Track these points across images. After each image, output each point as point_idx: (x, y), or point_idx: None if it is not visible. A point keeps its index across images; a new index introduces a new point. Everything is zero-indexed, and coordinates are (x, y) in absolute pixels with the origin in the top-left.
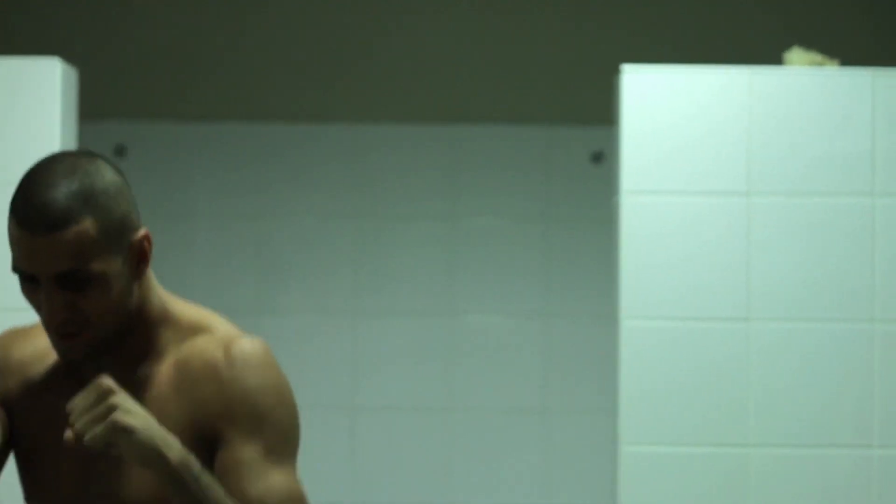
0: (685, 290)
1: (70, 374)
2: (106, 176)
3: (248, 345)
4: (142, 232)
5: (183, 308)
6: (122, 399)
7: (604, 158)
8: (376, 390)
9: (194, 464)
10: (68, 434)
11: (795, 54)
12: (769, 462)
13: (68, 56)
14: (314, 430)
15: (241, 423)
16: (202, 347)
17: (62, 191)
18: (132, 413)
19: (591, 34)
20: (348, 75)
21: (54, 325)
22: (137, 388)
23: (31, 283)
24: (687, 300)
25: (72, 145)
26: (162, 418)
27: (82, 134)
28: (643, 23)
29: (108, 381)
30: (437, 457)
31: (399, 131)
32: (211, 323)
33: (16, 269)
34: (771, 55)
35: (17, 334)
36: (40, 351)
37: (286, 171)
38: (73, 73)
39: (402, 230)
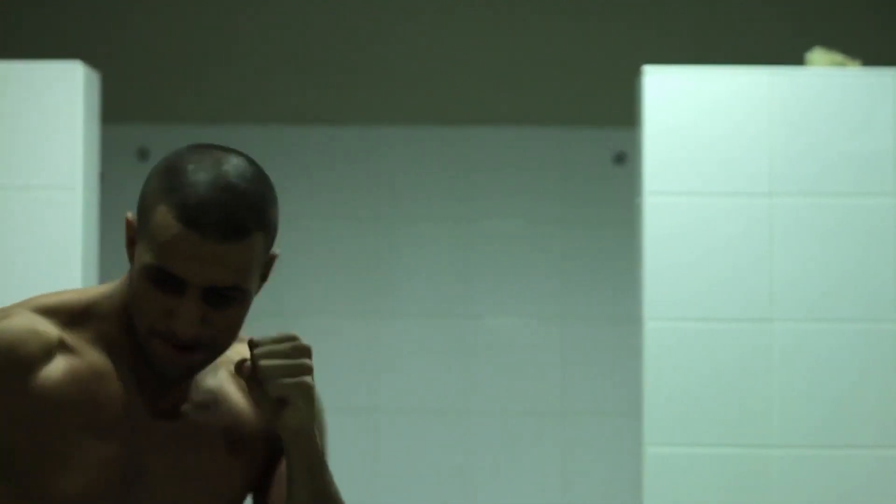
0: (708, 290)
1: (107, 383)
2: (270, 184)
3: None
4: (276, 251)
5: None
6: (312, 364)
7: (626, 159)
8: (395, 393)
9: (321, 449)
10: (246, 365)
11: (817, 55)
12: (792, 462)
13: (91, 60)
14: (333, 432)
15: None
16: (237, 352)
17: (242, 198)
18: (311, 380)
19: (613, 35)
20: (365, 77)
21: (180, 338)
22: (207, 400)
23: (169, 287)
24: (709, 301)
25: (94, 149)
26: (241, 431)
27: (105, 137)
28: (665, 23)
29: (300, 337)
30: (456, 459)
31: (416, 133)
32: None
33: (158, 267)
34: (793, 56)
35: (26, 336)
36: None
37: (304, 173)
38: (95, 77)
39: (419, 232)
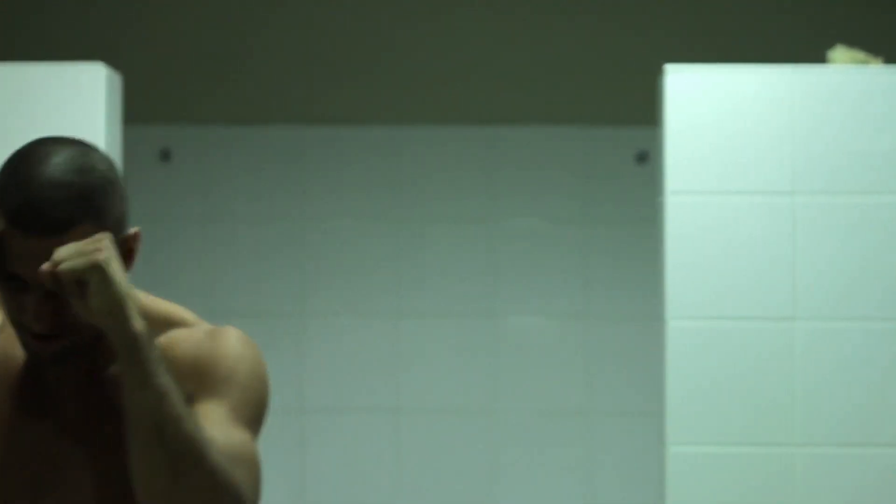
0: (730, 289)
1: (24, 371)
2: (104, 173)
3: (231, 329)
4: (133, 230)
5: (154, 303)
6: (112, 251)
7: (648, 159)
8: (418, 392)
9: (155, 347)
10: (45, 266)
11: (839, 53)
12: (815, 461)
13: (113, 61)
14: (357, 433)
15: (210, 383)
16: (184, 336)
17: (62, 191)
18: (116, 265)
19: (635, 33)
20: (388, 77)
21: (37, 330)
22: (112, 386)
23: (14, 283)
24: (732, 300)
25: (116, 150)
26: None
27: (127, 138)
28: (687, 22)
29: (107, 234)
30: (479, 459)
31: (439, 133)
32: (185, 317)
33: (2, 271)
34: (815, 54)
35: None
36: None
37: (327, 173)
38: (117, 78)
39: (442, 232)
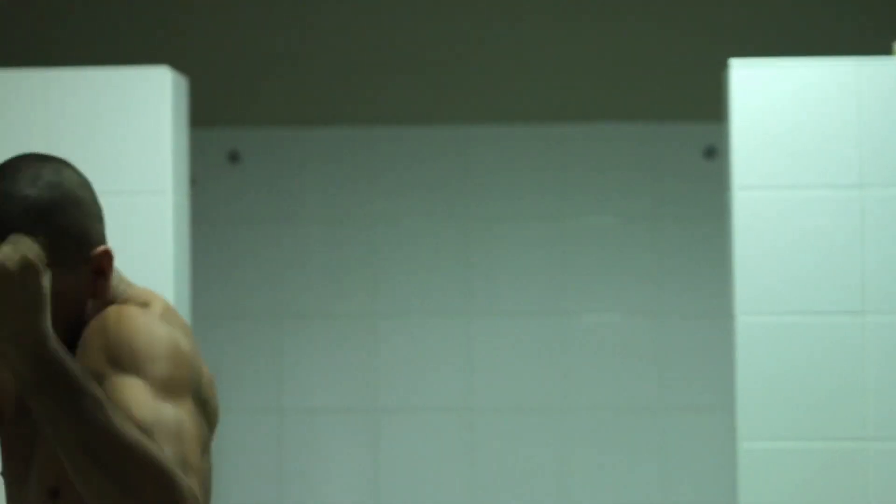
0: (799, 284)
1: None
2: (68, 189)
3: (137, 307)
4: (100, 248)
5: (127, 289)
6: (25, 246)
7: (717, 154)
8: (491, 391)
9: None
10: None
11: None
12: (887, 455)
13: (180, 65)
14: (430, 433)
15: (119, 364)
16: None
17: (18, 204)
18: (28, 264)
19: (702, 27)
20: (456, 76)
21: None
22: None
23: None
24: (801, 294)
25: (183, 154)
26: None
27: (196, 141)
28: (752, 15)
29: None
30: (552, 457)
31: (508, 131)
32: (141, 297)
33: None
34: (880, 45)
35: None
36: None
37: (395, 173)
38: (183, 82)
39: (512, 230)
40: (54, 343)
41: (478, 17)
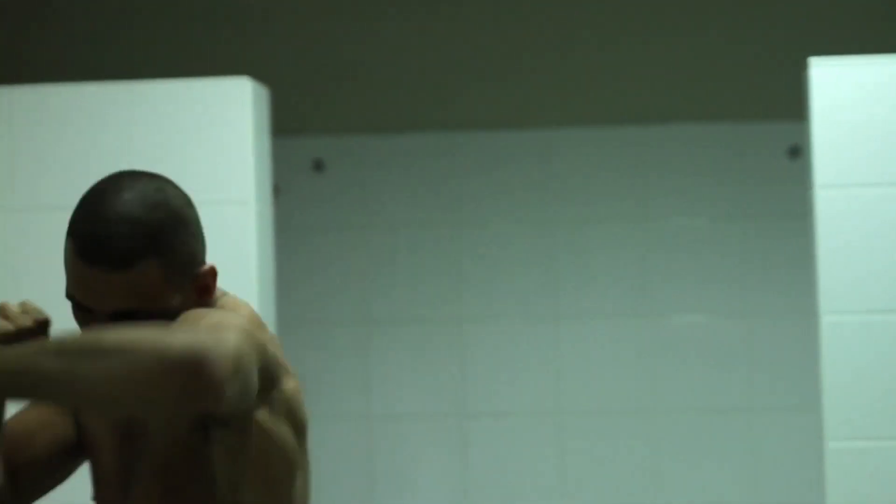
0: (883, 282)
1: None
2: (174, 208)
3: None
4: (206, 267)
5: (223, 300)
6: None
7: (801, 153)
8: (579, 395)
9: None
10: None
11: None
12: None
13: (264, 75)
14: (518, 437)
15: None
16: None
17: (128, 226)
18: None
19: (783, 26)
20: (538, 81)
21: None
22: None
23: (84, 313)
24: (886, 293)
25: (265, 163)
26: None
27: (280, 150)
28: (833, 13)
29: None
30: (642, 459)
31: (591, 134)
32: (236, 305)
33: (70, 295)
34: None
35: None
36: None
37: (481, 178)
38: (264, 92)
39: (597, 233)
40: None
41: (559, 20)
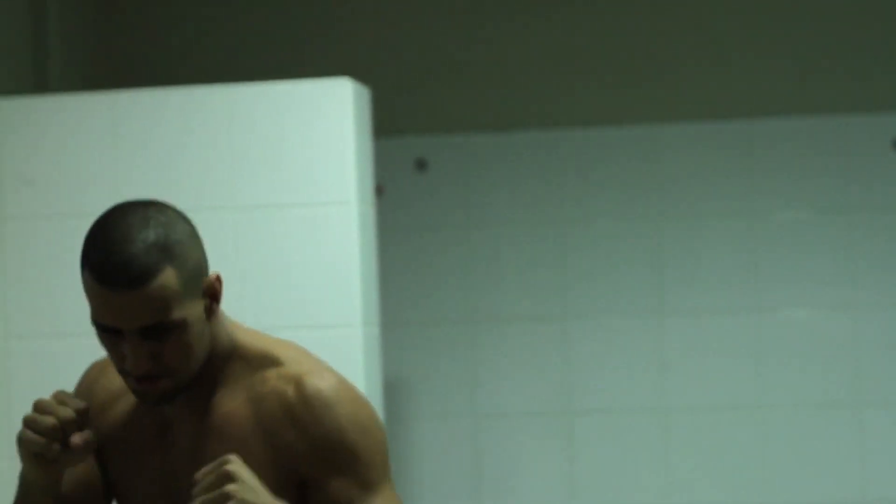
0: None
1: (150, 410)
2: (178, 224)
3: (319, 382)
4: (213, 274)
5: (250, 338)
6: (241, 470)
7: None
8: (685, 391)
9: None
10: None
11: None
12: None
13: (364, 75)
14: (625, 434)
15: (329, 464)
16: (273, 385)
17: (139, 245)
18: (246, 485)
19: (887, 16)
20: (641, 77)
21: (137, 374)
22: (217, 424)
23: (112, 335)
24: None
25: (367, 163)
26: (246, 459)
27: (383, 150)
28: None
29: (231, 457)
30: (750, 454)
31: (697, 129)
32: (279, 353)
33: (96, 322)
34: None
35: (103, 368)
36: (121, 387)
37: (584, 174)
38: (365, 93)
39: (702, 228)
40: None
41: (662, 16)
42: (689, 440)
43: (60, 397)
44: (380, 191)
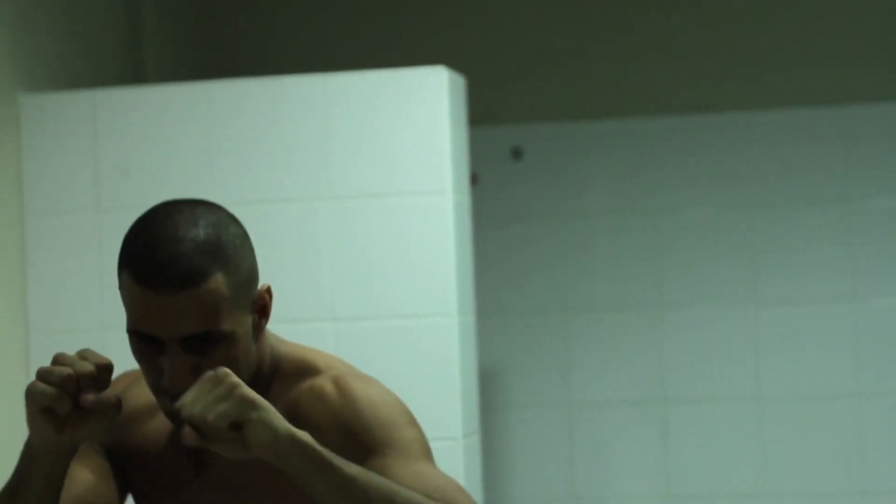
0: None
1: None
2: (229, 225)
3: (357, 381)
4: (264, 285)
5: (289, 351)
6: (248, 392)
7: None
8: (781, 380)
9: (317, 447)
10: (187, 432)
11: None
12: None
13: (459, 64)
14: (720, 423)
15: (367, 443)
16: (310, 385)
17: (189, 245)
18: (256, 395)
19: None
20: (734, 63)
21: (174, 391)
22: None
23: (149, 345)
24: None
25: (462, 153)
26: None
27: (478, 139)
28: None
29: (223, 368)
30: (846, 443)
31: (789, 116)
32: (317, 361)
33: (134, 330)
34: None
35: (136, 379)
36: (154, 402)
37: (679, 163)
38: (460, 81)
39: (797, 216)
40: (310, 438)
41: (755, 1)
42: (785, 429)
43: (84, 353)
44: (475, 180)
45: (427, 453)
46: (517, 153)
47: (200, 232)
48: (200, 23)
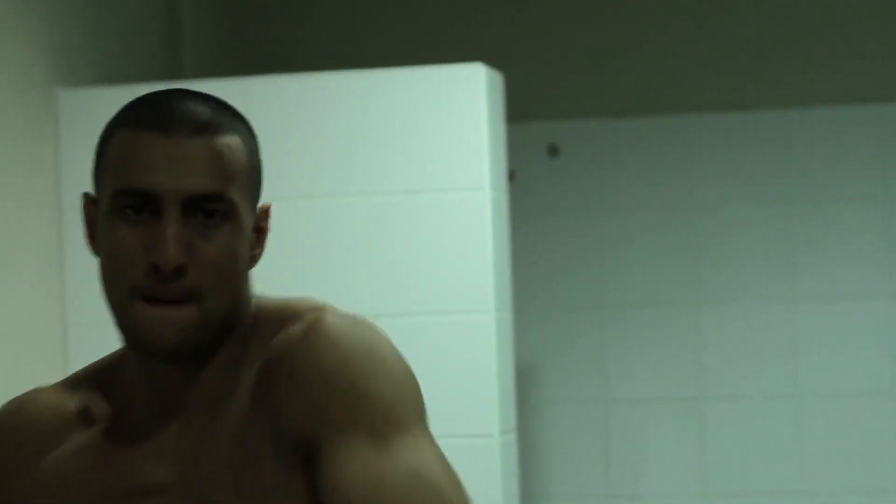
0: None
1: (87, 422)
2: (244, 120)
3: (332, 319)
4: (265, 205)
5: (273, 300)
6: None
7: None
8: (818, 377)
9: None
10: None
11: None
12: None
13: (496, 61)
14: (757, 420)
15: (329, 415)
16: (284, 337)
17: (207, 102)
18: None
19: None
20: (772, 61)
21: (165, 272)
22: (218, 410)
23: (142, 213)
24: None
25: (500, 149)
26: (245, 442)
27: (514, 136)
28: None
29: None
30: (884, 442)
31: (827, 114)
32: (298, 307)
33: (125, 189)
34: None
35: (23, 403)
36: (47, 428)
37: (716, 160)
38: (497, 78)
39: (835, 213)
40: None
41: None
42: (822, 427)
43: None
44: (512, 177)
45: (404, 422)
46: (553, 150)
47: (215, 100)
48: (238, 18)
